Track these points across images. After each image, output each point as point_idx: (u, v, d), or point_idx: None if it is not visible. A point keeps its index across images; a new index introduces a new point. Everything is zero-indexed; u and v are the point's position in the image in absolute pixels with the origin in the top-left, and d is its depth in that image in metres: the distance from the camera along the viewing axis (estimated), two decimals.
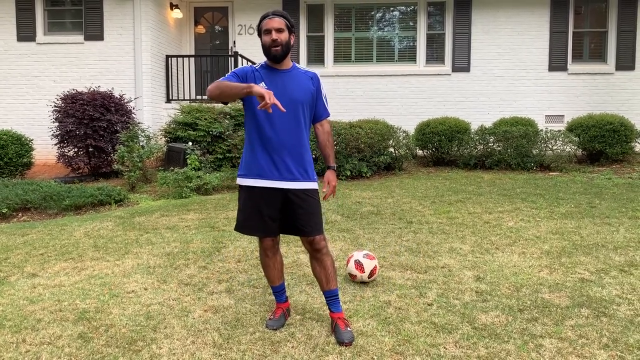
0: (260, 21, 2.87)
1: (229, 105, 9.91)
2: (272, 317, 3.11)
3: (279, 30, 2.80)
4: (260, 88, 2.53)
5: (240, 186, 2.95)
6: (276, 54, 2.80)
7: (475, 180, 7.97)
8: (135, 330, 3.03)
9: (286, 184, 2.84)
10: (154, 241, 4.96)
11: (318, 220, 2.92)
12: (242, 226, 2.97)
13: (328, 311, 3.06)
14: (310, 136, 3.17)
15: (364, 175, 8.44)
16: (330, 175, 3.09)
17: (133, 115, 9.45)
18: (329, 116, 3.10)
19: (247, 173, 2.89)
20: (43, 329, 3.06)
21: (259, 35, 2.87)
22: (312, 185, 2.91)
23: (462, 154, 9.33)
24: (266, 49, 2.82)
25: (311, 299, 3.45)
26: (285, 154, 2.83)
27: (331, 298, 2.98)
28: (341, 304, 3.08)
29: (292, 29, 2.88)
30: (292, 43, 2.87)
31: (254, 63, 10.90)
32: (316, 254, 2.94)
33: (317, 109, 3.03)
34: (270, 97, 2.46)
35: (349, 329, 2.88)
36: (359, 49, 11.81)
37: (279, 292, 3.16)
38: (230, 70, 2.95)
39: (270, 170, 2.83)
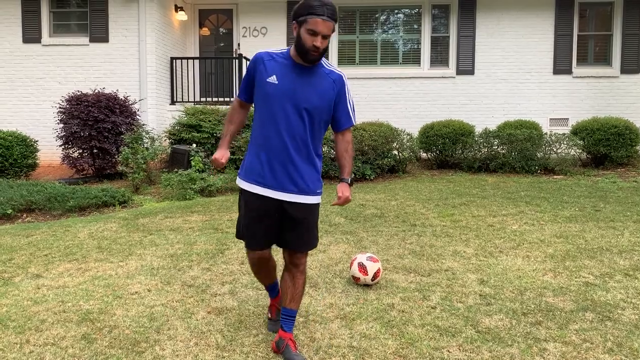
0: (307, 11, 2.44)
1: None
2: (270, 316, 3.07)
3: (325, 37, 2.46)
4: (216, 155, 2.67)
5: (241, 189, 2.72)
6: (313, 59, 2.50)
7: (479, 184, 7.96)
8: (139, 331, 3.03)
9: (284, 195, 2.60)
10: (158, 243, 4.97)
11: (312, 237, 2.73)
12: (244, 234, 2.74)
13: (325, 317, 3.02)
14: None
15: (367, 177, 8.43)
16: (343, 187, 2.70)
17: (137, 116, 9.48)
18: (352, 125, 2.72)
19: (246, 177, 2.66)
20: (47, 329, 3.07)
21: (297, 21, 2.49)
22: (312, 199, 2.66)
23: (466, 157, 9.31)
24: (303, 49, 2.47)
25: (314, 302, 3.45)
26: (287, 163, 2.57)
27: (288, 317, 2.73)
28: (344, 307, 3.08)
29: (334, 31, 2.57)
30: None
31: None
32: (293, 268, 2.74)
33: (338, 116, 2.67)
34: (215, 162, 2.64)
35: (297, 351, 2.70)
36: (363, 52, 11.81)
37: (271, 288, 3.05)
38: (239, 74, 2.85)
39: (269, 178, 2.59)
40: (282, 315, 2.77)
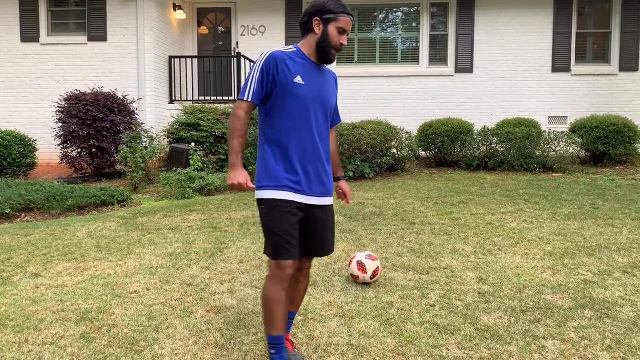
0: (340, 9, 2.40)
1: (230, 105, 9.93)
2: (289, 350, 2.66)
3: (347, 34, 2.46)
4: (239, 179, 2.35)
5: (268, 200, 2.39)
6: (333, 58, 2.47)
7: (477, 181, 7.96)
8: (138, 330, 3.03)
9: (316, 199, 2.47)
10: (157, 241, 4.96)
11: (334, 238, 2.64)
12: (283, 250, 2.37)
13: (323, 316, 3.01)
14: None
15: (366, 176, 8.43)
16: (346, 185, 2.76)
17: (136, 115, 9.47)
18: (340, 122, 2.79)
19: (278, 185, 2.38)
20: (45, 328, 3.07)
21: (323, 18, 2.40)
22: (332, 200, 2.59)
23: (465, 155, 9.31)
24: (328, 47, 2.41)
25: (313, 300, 3.45)
26: (319, 165, 2.46)
27: (287, 319, 2.55)
28: (342, 305, 3.07)
29: None
30: None
31: None
32: (297, 273, 2.55)
33: (333, 114, 2.67)
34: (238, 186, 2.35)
35: (296, 350, 2.68)
36: (362, 50, 11.80)
37: (282, 346, 2.45)
38: (254, 72, 2.44)
39: (305, 183, 2.42)
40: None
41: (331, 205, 2.57)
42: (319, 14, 2.39)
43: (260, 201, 2.43)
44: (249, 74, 2.42)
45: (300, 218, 2.43)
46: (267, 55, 2.40)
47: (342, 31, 2.40)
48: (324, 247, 2.58)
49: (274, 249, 2.39)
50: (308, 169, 2.42)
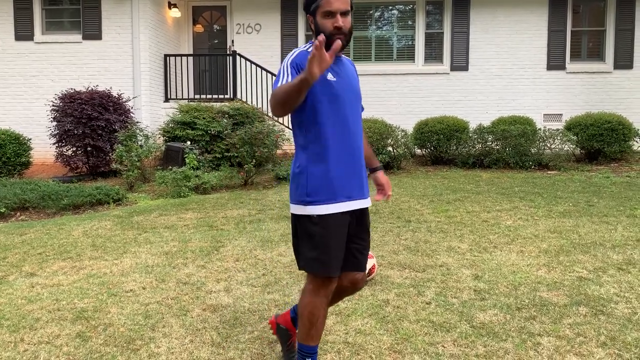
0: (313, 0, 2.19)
1: (226, 104, 9.92)
2: None
3: (345, 14, 2.15)
4: (308, 67, 1.82)
5: (319, 216, 2.19)
6: (343, 45, 2.08)
7: (473, 179, 7.98)
8: (134, 329, 3.02)
9: (366, 202, 2.33)
10: (153, 240, 4.96)
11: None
12: (331, 265, 2.21)
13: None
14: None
15: None
16: (384, 175, 2.56)
17: (131, 114, 9.44)
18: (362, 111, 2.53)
19: (331, 196, 2.19)
20: (41, 328, 3.06)
21: (311, 13, 2.22)
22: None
23: (461, 153, 9.33)
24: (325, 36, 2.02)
25: None
26: (361, 162, 2.29)
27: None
28: (339, 303, 3.07)
29: (353, 7, 2.24)
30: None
31: (253, 63, 11.03)
32: (352, 292, 2.43)
33: None
34: (319, 51, 1.79)
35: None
36: (358, 48, 11.81)
37: (316, 355, 2.37)
38: (283, 72, 2.20)
39: (356, 185, 2.25)
40: (292, 310, 2.60)
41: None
42: (307, 11, 2.25)
43: (311, 217, 2.20)
44: (279, 70, 2.20)
45: (348, 225, 2.27)
46: (297, 53, 2.22)
47: (328, 14, 2.14)
48: (364, 259, 2.41)
49: (313, 264, 2.23)
50: (355, 169, 2.26)
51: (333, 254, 2.20)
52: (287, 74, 2.13)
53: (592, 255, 4.23)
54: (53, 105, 8.87)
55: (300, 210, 2.23)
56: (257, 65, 10.63)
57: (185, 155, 8.00)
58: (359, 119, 2.31)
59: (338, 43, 1.81)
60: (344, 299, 3.37)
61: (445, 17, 11.46)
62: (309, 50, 2.20)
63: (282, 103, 2.01)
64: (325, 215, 2.18)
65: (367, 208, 2.36)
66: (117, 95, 9.24)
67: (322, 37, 1.81)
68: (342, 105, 2.23)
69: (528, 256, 4.24)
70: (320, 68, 1.81)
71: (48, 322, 3.14)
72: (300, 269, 2.31)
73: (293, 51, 2.25)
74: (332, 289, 2.28)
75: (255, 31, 11.65)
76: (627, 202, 6.17)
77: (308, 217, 2.21)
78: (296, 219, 2.28)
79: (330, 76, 2.20)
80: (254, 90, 10.93)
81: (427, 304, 3.32)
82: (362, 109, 2.46)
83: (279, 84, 2.11)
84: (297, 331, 2.49)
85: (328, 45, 2.03)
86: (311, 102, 2.19)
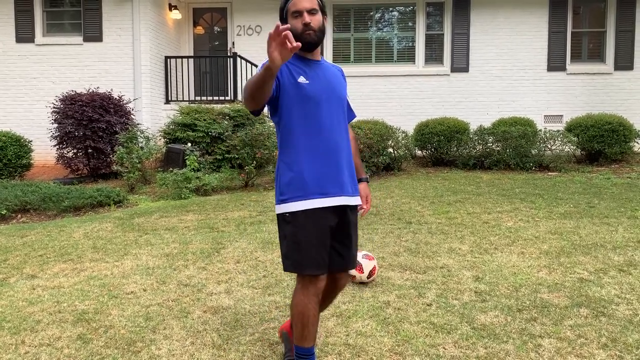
0: (285, 1, 2.32)
1: (227, 106, 9.92)
2: None
3: (312, 12, 2.26)
4: (268, 51, 1.90)
5: (291, 214, 2.27)
6: (311, 40, 2.26)
7: (474, 181, 7.98)
8: (135, 331, 3.03)
9: (348, 199, 2.34)
10: (153, 242, 4.96)
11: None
12: (311, 264, 2.25)
13: (320, 316, 2.91)
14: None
15: None
16: (367, 188, 2.60)
17: (132, 116, 9.45)
18: (355, 118, 2.65)
19: (302, 193, 2.25)
20: (42, 330, 3.06)
21: (283, 18, 2.34)
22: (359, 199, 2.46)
23: (461, 154, 9.34)
24: (297, 36, 2.21)
25: None
26: (342, 161, 2.34)
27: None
28: (339, 305, 3.07)
29: (325, 9, 2.36)
30: (325, 26, 2.36)
31: (254, 64, 11.02)
32: (337, 291, 2.49)
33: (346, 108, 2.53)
34: (281, 31, 1.85)
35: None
36: (358, 50, 11.82)
37: (314, 356, 2.40)
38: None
39: (332, 183, 2.30)
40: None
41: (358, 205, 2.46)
42: (280, 16, 2.36)
43: (284, 215, 2.28)
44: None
45: (333, 224, 2.31)
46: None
47: (296, 14, 2.26)
48: (351, 257, 2.45)
49: (294, 264, 2.29)
50: (332, 167, 2.30)
51: (309, 253, 2.24)
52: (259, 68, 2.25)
53: (593, 256, 4.22)
54: (54, 107, 8.88)
55: (277, 209, 2.33)
56: (257, 67, 10.62)
57: (186, 157, 8.00)
58: (338, 121, 2.36)
59: (298, 44, 1.87)
60: (345, 302, 3.37)
61: (446, 18, 11.47)
62: None
63: (251, 94, 2.09)
64: (297, 212, 2.25)
65: (353, 206, 2.40)
66: (117, 97, 9.25)
67: (283, 26, 1.86)
68: (316, 107, 2.30)
69: (529, 258, 4.24)
70: (280, 54, 1.88)
71: (49, 324, 3.15)
72: (284, 269, 2.36)
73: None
74: (321, 287, 2.31)
75: (256, 33, 11.67)
76: (628, 203, 6.17)
77: (282, 216, 2.29)
78: (277, 219, 2.36)
79: (302, 79, 2.28)
80: None
81: (427, 305, 3.32)
82: (353, 113, 2.59)
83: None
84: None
85: (301, 44, 2.08)
86: (284, 104, 2.29)
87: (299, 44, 1.88)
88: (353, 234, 2.42)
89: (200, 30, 12.17)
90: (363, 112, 11.00)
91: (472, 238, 4.85)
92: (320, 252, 2.26)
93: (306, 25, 2.25)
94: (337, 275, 2.44)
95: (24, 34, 10.55)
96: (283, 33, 1.85)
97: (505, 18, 11.26)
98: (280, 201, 2.30)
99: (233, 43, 11.76)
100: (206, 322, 3.14)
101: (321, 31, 2.30)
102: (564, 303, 3.31)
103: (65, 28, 10.77)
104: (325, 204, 2.27)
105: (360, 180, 2.58)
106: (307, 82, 2.29)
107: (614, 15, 11.14)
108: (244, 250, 4.58)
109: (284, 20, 2.33)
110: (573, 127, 9.41)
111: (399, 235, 5.00)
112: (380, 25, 11.92)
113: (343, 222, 2.36)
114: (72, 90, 9.23)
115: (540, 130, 9.28)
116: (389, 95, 11.51)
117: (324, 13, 2.34)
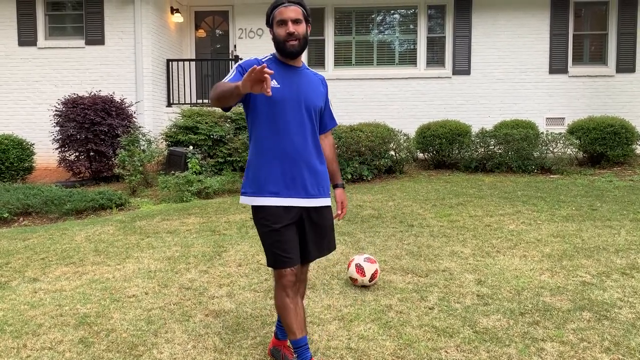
0: (272, 9, 2.43)
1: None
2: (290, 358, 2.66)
3: (296, 22, 2.37)
4: (243, 81, 2.03)
5: (257, 208, 2.43)
6: (292, 49, 2.39)
7: (476, 183, 7.97)
8: (136, 334, 3.02)
9: (304, 201, 2.44)
10: (155, 245, 4.96)
11: (334, 239, 2.63)
12: (279, 255, 2.40)
13: (322, 319, 2.96)
14: None
15: (364, 178, 8.44)
16: (342, 194, 2.70)
17: (134, 119, 9.46)
18: (335, 126, 2.74)
19: (257, 190, 2.42)
20: (44, 334, 3.06)
21: (269, 26, 2.45)
22: (328, 202, 2.55)
23: (463, 157, 9.32)
24: (280, 44, 2.39)
25: (312, 303, 3.44)
26: (302, 166, 2.42)
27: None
28: (341, 308, 3.07)
29: (309, 18, 2.46)
30: (309, 35, 2.47)
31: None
32: (298, 283, 2.53)
33: (324, 117, 2.64)
34: (264, 73, 1.97)
35: (294, 357, 2.57)
36: (360, 52, 11.82)
37: (304, 348, 2.44)
38: (231, 69, 2.48)
39: (286, 184, 2.40)
40: (277, 324, 2.72)
41: (327, 207, 2.54)
42: (267, 24, 2.47)
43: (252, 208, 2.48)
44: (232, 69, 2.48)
45: (297, 223, 2.45)
46: (249, 58, 2.48)
47: (281, 23, 2.38)
48: (322, 249, 2.57)
49: (271, 259, 2.45)
50: (294, 172, 2.41)
51: (270, 248, 2.41)
52: (231, 74, 2.43)
53: (596, 259, 4.21)
54: (56, 110, 8.90)
55: (240, 199, 2.53)
56: (234, 67, 10.62)
57: (188, 160, 8.01)
58: (302, 126, 2.44)
59: (269, 92, 2.00)
60: (347, 305, 3.36)
61: (447, 21, 11.47)
62: (263, 60, 2.46)
63: (217, 97, 2.25)
64: (253, 207, 2.45)
65: (323, 207, 2.51)
66: (119, 100, 9.27)
67: (268, 70, 1.98)
68: (283, 110, 2.40)
69: (531, 261, 4.23)
70: (251, 88, 2.01)
71: (51, 327, 3.15)
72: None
73: (246, 60, 2.49)
74: (289, 280, 2.43)
75: (258, 36, 11.68)
76: (630, 206, 6.16)
77: (254, 208, 2.46)
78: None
79: (274, 82, 2.38)
80: None
81: (430, 309, 3.31)
82: (334, 121, 2.71)
83: (223, 80, 2.38)
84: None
85: (283, 51, 2.41)
86: (253, 104, 2.44)
87: (270, 92, 2.00)
88: (323, 234, 2.53)
89: (202, 33, 12.19)
90: (364, 114, 11.00)
91: (474, 241, 4.84)
92: (284, 247, 2.39)
93: (290, 34, 2.36)
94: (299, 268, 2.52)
95: (27, 38, 10.58)
96: (265, 75, 1.97)
97: (507, 20, 11.26)
98: (241, 193, 2.50)
99: (235, 46, 11.77)
100: (208, 325, 3.14)
101: (305, 40, 2.43)
102: (567, 306, 3.30)
103: (68, 31, 10.79)
104: (277, 204, 2.39)
105: (336, 186, 2.71)
106: (278, 86, 2.39)
107: (616, 18, 11.14)
108: (246, 254, 4.58)
109: (270, 26, 2.46)
110: (575, 130, 9.40)
111: (400, 238, 4.99)
112: (381, 28, 11.92)
113: (309, 222, 2.48)
114: (74, 94, 9.24)
115: (542, 133, 9.26)
116: (390, 98, 11.51)
117: (308, 22, 2.45)
